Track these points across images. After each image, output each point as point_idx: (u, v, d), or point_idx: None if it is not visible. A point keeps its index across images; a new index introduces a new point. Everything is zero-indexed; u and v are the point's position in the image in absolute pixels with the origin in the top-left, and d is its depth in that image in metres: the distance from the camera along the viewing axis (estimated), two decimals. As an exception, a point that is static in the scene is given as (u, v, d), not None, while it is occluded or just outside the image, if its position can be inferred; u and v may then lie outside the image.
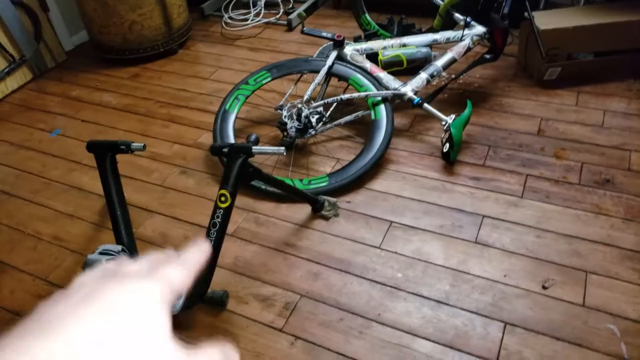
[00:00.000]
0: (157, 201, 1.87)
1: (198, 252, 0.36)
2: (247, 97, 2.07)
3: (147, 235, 1.73)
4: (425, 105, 1.97)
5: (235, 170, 1.39)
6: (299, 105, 1.93)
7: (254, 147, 1.40)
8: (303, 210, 1.77)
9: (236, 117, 2.03)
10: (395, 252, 1.60)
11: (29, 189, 1.99)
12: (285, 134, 1.95)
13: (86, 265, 1.24)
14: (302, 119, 1.91)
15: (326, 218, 1.73)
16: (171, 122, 2.31)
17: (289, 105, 1.95)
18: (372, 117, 1.96)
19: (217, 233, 1.37)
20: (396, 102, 2.07)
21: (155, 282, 0.31)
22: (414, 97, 1.99)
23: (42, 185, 2.01)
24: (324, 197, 1.75)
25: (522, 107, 2.19)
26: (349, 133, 2.09)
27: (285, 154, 1.42)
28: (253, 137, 1.50)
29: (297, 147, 2.06)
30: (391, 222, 1.70)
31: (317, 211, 1.74)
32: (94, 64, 2.85)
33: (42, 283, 1.60)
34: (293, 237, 1.68)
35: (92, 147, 1.49)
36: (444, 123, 1.91)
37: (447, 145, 1.88)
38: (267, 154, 1.40)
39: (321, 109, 1.95)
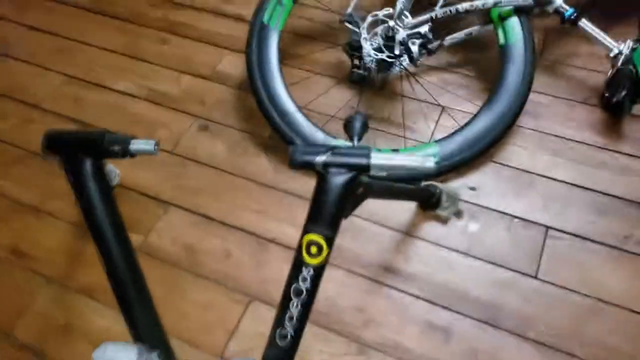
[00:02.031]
0: (169, 183, 1.20)
1: None
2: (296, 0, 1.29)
3: (162, 250, 1.10)
4: (584, 21, 1.23)
5: (337, 198, 0.73)
6: (390, 23, 1.18)
7: (373, 155, 0.73)
8: (401, 205, 1.14)
9: (280, 35, 1.27)
10: (565, 288, 1.02)
11: (-37, 157, 1.29)
12: (356, 62, 1.24)
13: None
14: (397, 45, 1.17)
15: (443, 220, 1.12)
16: (171, 33, 1.51)
17: (370, 19, 1.19)
18: (500, 40, 1.22)
19: (302, 307, 0.74)
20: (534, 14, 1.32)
21: None
22: (566, 7, 1.23)
23: (-18, 149, 1.30)
24: (438, 184, 1.11)
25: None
26: (454, 60, 1.36)
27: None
28: (358, 122, 0.80)
29: (372, 84, 1.34)
30: (547, 227, 1.09)
31: (429, 208, 1.11)
32: None
33: (6, 344, 1.00)
34: (395, 255, 1.08)
35: (54, 143, 0.79)
36: (612, 52, 1.20)
37: (623, 90, 1.20)
38: (407, 169, 0.73)
39: (425, 28, 1.20)
